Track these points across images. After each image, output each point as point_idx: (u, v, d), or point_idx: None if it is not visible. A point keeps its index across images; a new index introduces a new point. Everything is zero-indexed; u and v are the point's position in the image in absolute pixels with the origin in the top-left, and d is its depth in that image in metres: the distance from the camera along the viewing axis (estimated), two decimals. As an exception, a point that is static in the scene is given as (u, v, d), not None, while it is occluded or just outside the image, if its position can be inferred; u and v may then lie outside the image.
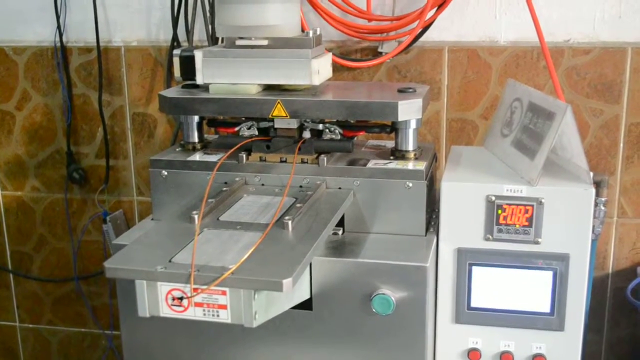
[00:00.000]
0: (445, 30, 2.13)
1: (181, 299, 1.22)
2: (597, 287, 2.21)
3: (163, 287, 1.23)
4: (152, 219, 1.73)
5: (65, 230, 2.59)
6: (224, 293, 1.21)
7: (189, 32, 2.24)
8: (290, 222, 1.38)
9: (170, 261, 1.25)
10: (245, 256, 1.22)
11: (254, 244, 1.28)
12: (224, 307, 1.22)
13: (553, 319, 1.56)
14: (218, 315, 1.23)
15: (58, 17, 2.35)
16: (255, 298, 1.21)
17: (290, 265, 1.21)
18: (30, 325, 2.76)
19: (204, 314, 1.23)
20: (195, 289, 1.19)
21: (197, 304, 1.23)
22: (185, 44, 2.25)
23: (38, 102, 2.47)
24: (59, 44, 2.38)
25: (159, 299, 1.24)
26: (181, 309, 1.23)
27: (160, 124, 2.40)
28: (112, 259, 1.28)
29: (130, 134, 2.44)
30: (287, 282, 1.16)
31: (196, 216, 1.41)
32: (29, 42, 2.43)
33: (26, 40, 2.43)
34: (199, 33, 2.27)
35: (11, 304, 2.74)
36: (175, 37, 2.26)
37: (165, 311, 1.24)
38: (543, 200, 1.51)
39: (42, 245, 2.63)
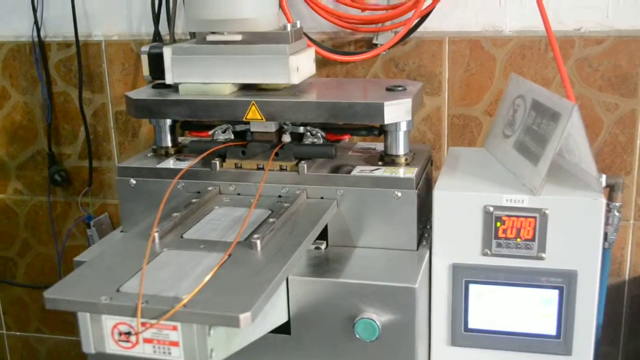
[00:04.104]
0: (446, 19, 1.96)
1: (128, 334, 1.08)
2: (613, 295, 2.05)
3: (108, 321, 1.08)
4: (122, 231, 1.60)
5: (49, 234, 2.46)
6: (175, 328, 1.06)
7: (170, 25, 2.08)
8: (259, 242, 1.23)
9: (118, 290, 1.10)
10: (200, 285, 1.07)
11: (214, 269, 1.13)
12: (175, 344, 1.07)
13: (559, 343, 1.40)
14: (170, 353, 1.08)
15: (35, 11, 2.20)
16: (210, 334, 1.06)
17: (251, 295, 1.06)
18: (18, 334, 2.64)
19: (154, 351, 1.08)
20: (143, 324, 1.04)
21: (147, 340, 1.08)
22: (168, 39, 2.10)
23: (17, 101, 2.34)
24: (36, 39, 2.24)
25: (104, 334, 1.09)
26: (129, 345, 1.08)
27: (144, 122, 2.25)
28: (54, 287, 1.13)
29: (113, 134, 2.30)
30: (244, 317, 1.01)
31: (156, 234, 1.27)
32: (6, 37, 2.29)
33: (3, 36, 2.29)
34: (183, 27, 2.11)
35: (-3, 311, 2.63)
36: (157, 31, 2.12)
37: (112, 347, 1.09)
38: (547, 212, 1.35)
39: (26, 250, 2.51)
